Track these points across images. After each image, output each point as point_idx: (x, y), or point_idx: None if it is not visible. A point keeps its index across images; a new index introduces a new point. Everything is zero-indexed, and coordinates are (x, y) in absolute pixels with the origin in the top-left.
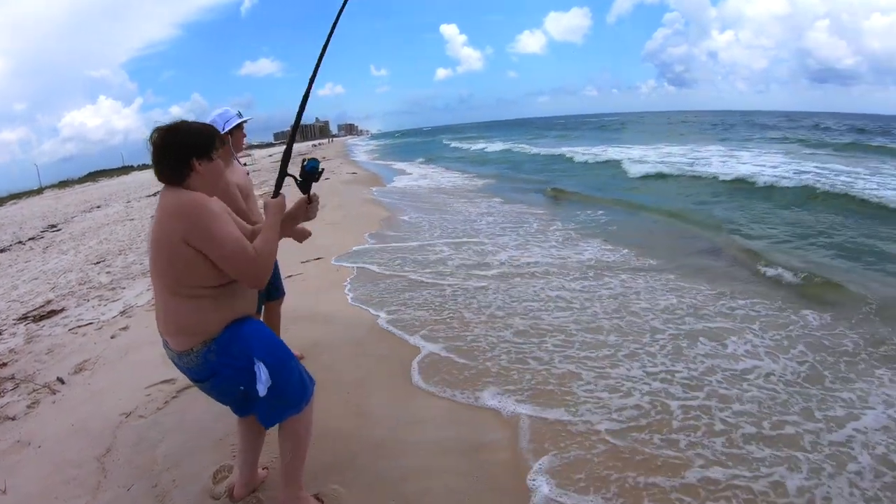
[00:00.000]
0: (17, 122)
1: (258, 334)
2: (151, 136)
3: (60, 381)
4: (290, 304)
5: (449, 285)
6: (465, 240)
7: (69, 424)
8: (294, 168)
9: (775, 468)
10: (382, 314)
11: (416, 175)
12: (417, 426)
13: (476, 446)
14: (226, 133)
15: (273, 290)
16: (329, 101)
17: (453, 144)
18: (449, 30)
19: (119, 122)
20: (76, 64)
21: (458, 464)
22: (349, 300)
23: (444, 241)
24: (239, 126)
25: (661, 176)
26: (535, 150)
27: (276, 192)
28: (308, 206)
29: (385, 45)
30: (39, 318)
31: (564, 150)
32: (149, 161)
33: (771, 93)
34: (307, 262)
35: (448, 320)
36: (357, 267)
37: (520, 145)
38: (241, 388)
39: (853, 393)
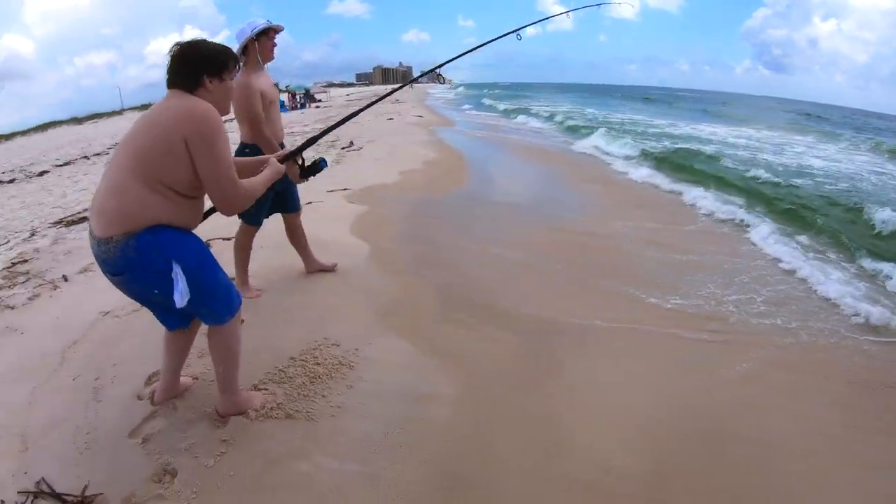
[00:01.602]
0: (105, 47)
1: (184, 240)
2: (171, 49)
3: (64, 278)
4: None
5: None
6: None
7: (54, 317)
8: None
9: None
10: (378, 248)
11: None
12: (366, 364)
13: (416, 397)
14: (252, 39)
15: (290, 204)
16: (413, 46)
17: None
18: None
19: None
20: None
21: (389, 411)
22: (351, 231)
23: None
24: (266, 32)
25: None
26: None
27: (285, 160)
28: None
29: None
30: (71, 223)
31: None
32: None
33: (870, 90)
34: (333, 191)
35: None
36: (373, 202)
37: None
38: (156, 291)
39: None
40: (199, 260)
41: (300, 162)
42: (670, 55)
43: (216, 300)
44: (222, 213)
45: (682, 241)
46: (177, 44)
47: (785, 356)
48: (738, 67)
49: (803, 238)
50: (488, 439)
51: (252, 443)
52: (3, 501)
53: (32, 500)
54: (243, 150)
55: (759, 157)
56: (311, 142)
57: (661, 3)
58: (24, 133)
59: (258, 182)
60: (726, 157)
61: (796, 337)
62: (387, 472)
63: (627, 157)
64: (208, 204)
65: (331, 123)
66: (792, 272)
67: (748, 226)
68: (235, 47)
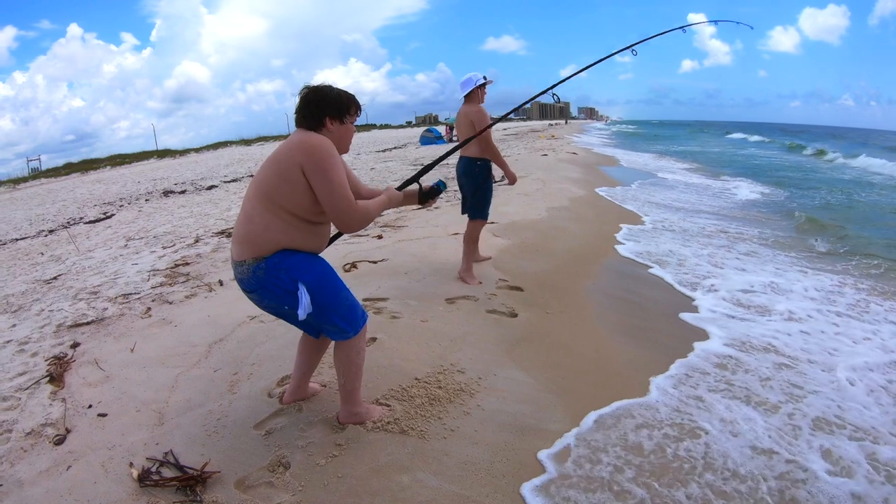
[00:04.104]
0: (275, 76)
1: (308, 262)
2: (301, 91)
3: (220, 283)
4: (440, 257)
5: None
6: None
7: (206, 315)
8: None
9: None
10: (516, 282)
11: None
12: (486, 393)
13: (529, 431)
14: (476, 87)
15: (473, 209)
16: (570, 82)
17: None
18: (697, 20)
19: (368, 83)
20: (331, 28)
21: (500, 441)
22: (492, 264)
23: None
24: (483, 85)
25: None
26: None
27: (401, 188)
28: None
29: (631, 31)
30: (231, 235)
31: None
32: (388, 121)
33: None
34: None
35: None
36: (518, 237)
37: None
38: (286, 307)
39: None
40: (323, 280)
41: (421, 189)
42: (834, 90)
43: (339, 318)
44: (341, 230)
45: None
46: (305, 87)
47: None
48: None
49: None
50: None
51: (363, 450)
52: (132, 464)
53: (158, 467)
54: (474, 164)
55: None
56: (426, 169)
57: (821, 34)
58: (197, 150)
59: (374, 203)
60: None
61: None
62: (483, 499)
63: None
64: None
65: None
66: None
67: None
68: (460, 90)
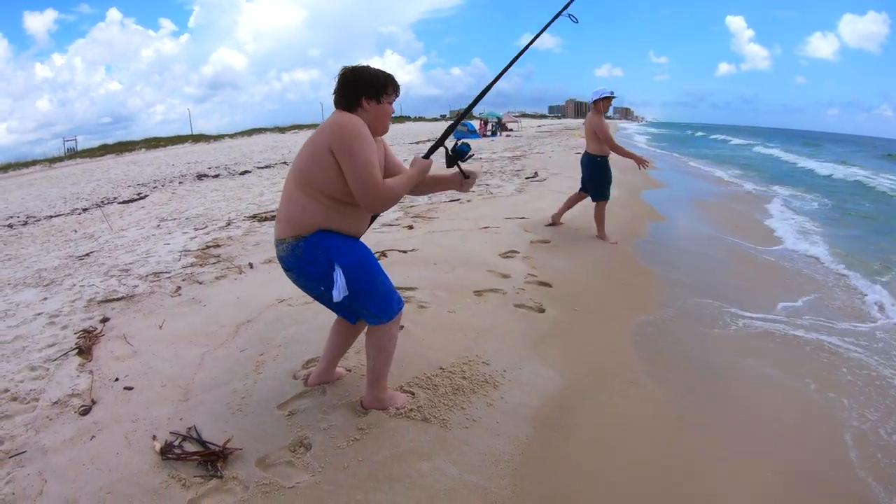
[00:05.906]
0: (310, 66)
1: (347, 245)
2: (339, 72)
3: (250, 265)
4: (470, 249)
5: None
6: None
7: (235, 297)
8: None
9: None
10: (544, 277)
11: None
12: (510, 386)
13: (553, 426)
14: (603, 98)
15: (595, 194)
16: (606, 82)
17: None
18: (735, 22)
19: (403, 76)
20: (368, 19)
21: (522, 434)
22: (521, 259)
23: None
24: (609, 98)
25: None
26: None
27: (427, 155)
28: (463, 182)
29: (666, 32)
30: (263, 220)
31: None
32: (422, 114)
33: None
34: (511, 219)
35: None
36: (548, 233)
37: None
38: (322, 288)
39: None
40: (359, 264)
41: (447, 152)
42: (872, 99)
43: (373, 304)
44: (366, 209)
45: None
46: (343, 68)
47: None
48: None
49: None
50: (619, 485)
51: (385, 436)
52: (155, 437)
53: (180, 442)
54: (595, 159)
55: None
56: (448, 131)
57: (860, 42)
58: (231, 136)
59: (400, 179)
60: None
61: None
62: (502, 490)
63: None
64: None
65: (518, 153)
66: None
67: None
68: (590, 97)
